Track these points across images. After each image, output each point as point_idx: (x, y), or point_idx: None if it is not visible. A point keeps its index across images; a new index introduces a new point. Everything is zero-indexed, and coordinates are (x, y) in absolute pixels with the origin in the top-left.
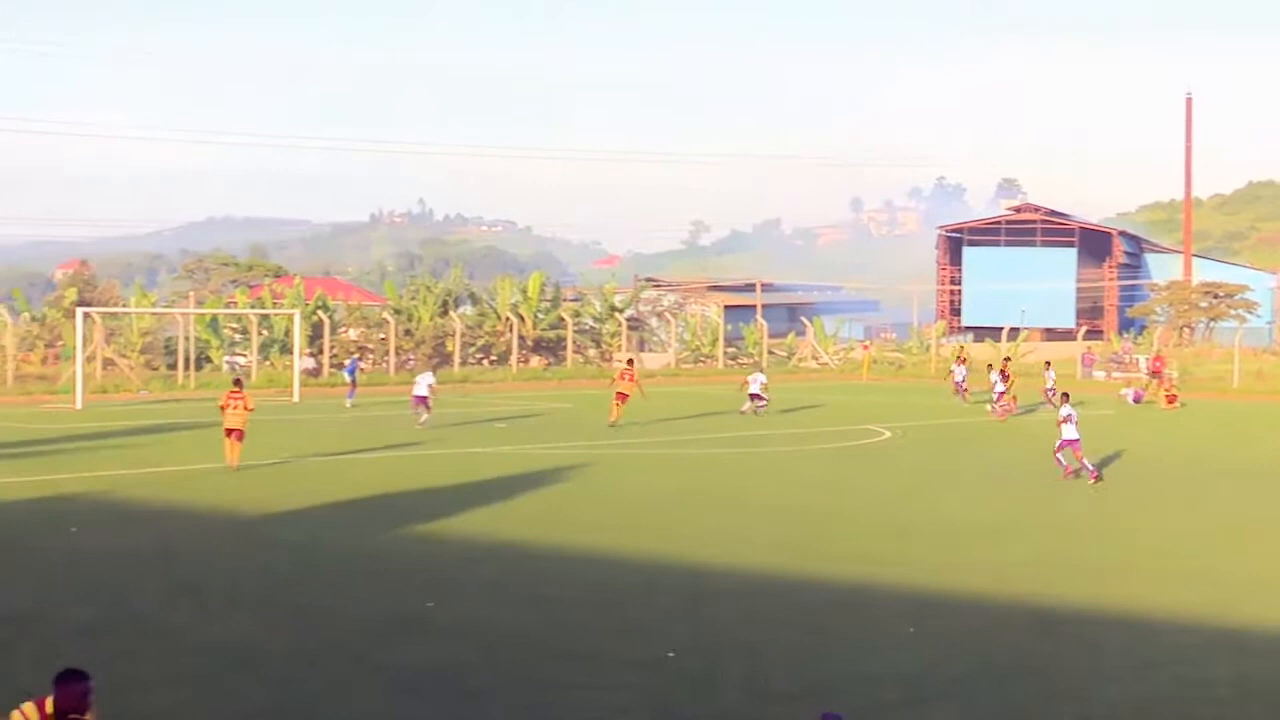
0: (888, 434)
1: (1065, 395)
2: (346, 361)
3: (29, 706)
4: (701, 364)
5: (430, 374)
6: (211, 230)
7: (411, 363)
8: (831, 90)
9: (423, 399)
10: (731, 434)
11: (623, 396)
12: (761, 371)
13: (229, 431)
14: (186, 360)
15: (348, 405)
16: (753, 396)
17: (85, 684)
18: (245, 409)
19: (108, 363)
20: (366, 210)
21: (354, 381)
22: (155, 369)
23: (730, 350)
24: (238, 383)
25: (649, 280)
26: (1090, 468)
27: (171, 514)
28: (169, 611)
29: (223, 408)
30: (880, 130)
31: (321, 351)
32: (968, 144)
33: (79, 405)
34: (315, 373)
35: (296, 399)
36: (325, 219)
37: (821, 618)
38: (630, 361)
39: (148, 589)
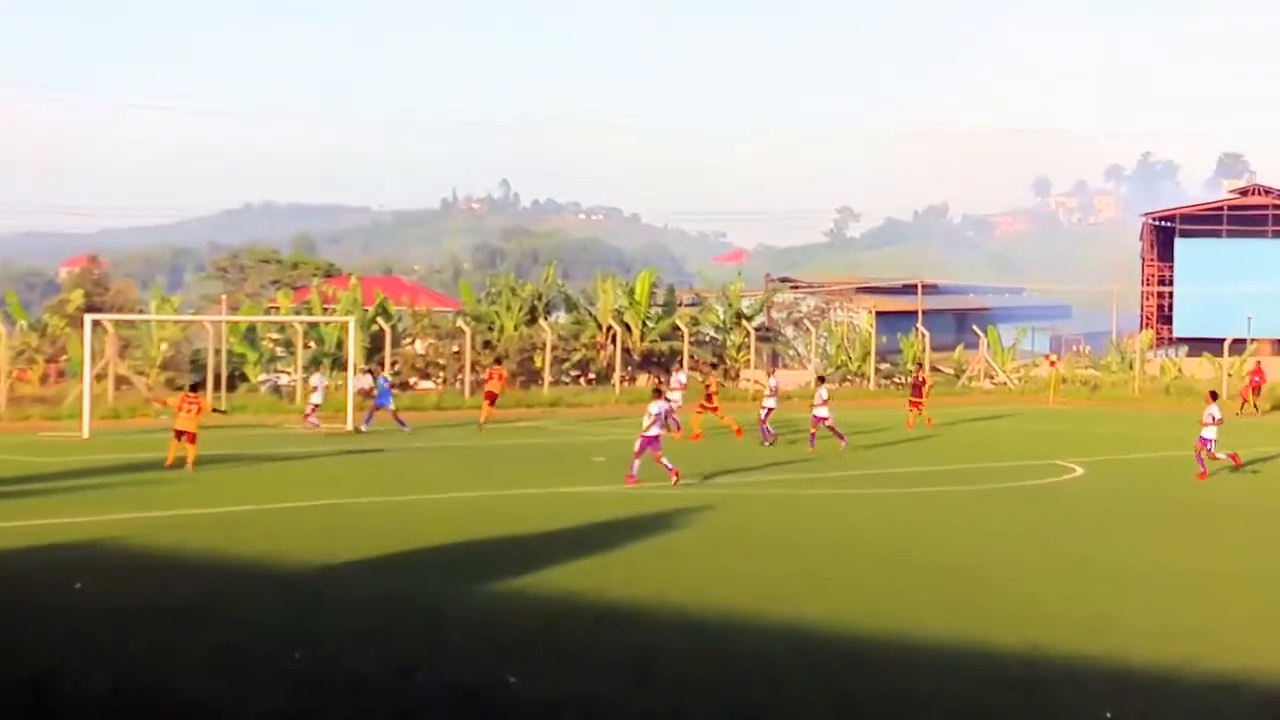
0: (1079, 470)
1: (1213, 394)
2: (379, 377)
3: None
4: (849, 383)
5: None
6: (249, 220)
7: (490, 375)
8: (1012, 50)
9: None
10: (885, 470)
11: (491, 396)
12: (772, 376)
13: (179, 434)
14: (217, 378)
15: (364, 429)
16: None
17: None
18: (199, 410)
19: (121, 381)
20: (437, 195)
21: (381, 403)
22: (180, 389)
23: (884, 367)
24: (195, 387)
25: (784, 280)
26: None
27: (202, 566)
28: (200, 682)
29: (176, 407)
30: (1071, 96)
31: (381, 367)
32: (1180, 112)
33: (86, 433)
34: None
35: (351, 425)
36: (388, 205)
37: (994, 694)
38: (499, 360)
39: (175, 655)
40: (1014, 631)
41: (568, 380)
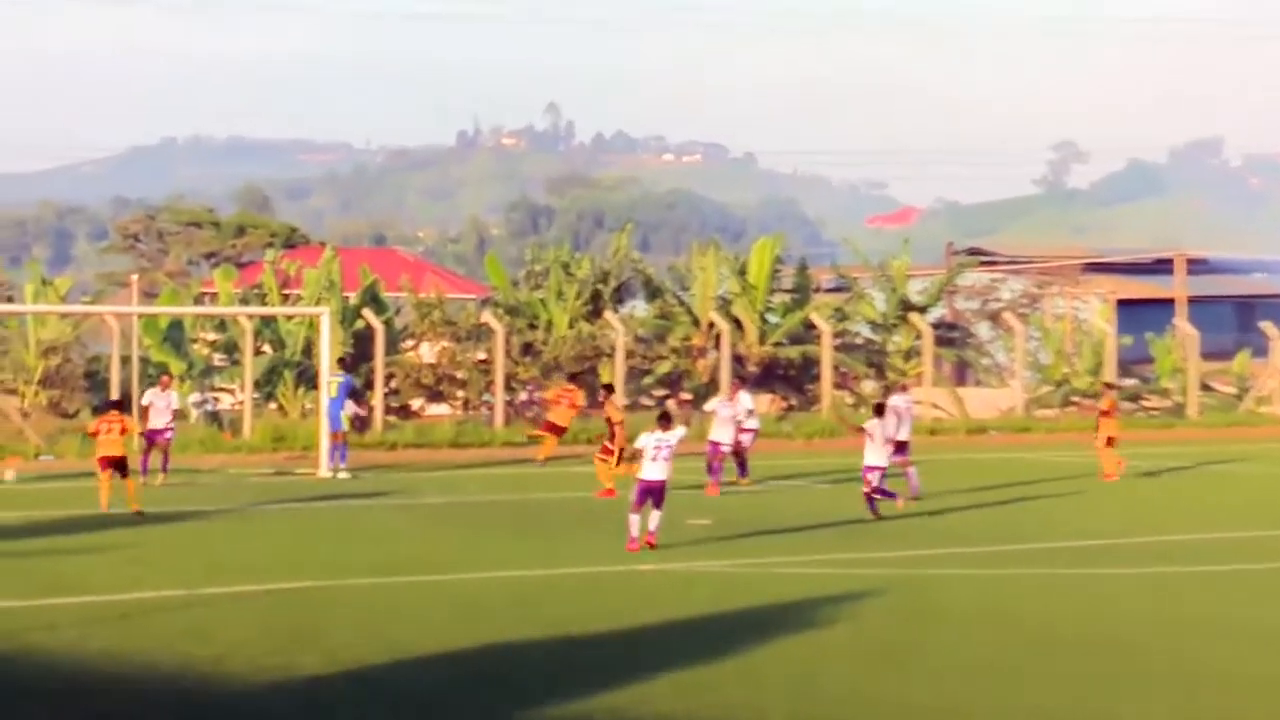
0: None
1: None
2: (338, 378)
3: None
4: (1074, 406)
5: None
6: (169, 162)
7: (535, 398)
8: None
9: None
10: (1139, 539)
11: (556, 429)
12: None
13: (106, 463)
14: (126, 399)
15: (341, 472)
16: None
17: None
18: (124, 431)
19: None
20: (452, 126)
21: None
22: (69, 415)
23: (1129, 383)
24: (118, 404)
25: (974, 253)
26: None
27: (117, 677)
28: None
29: (93, 434)
30: None
31: (370, 386)
32: None
33: None
34: (362, 425)
35: (326, 470)
36: (378, 141)
37: None
38: (573, 377)
39: None
40: None
41: (650, 402)
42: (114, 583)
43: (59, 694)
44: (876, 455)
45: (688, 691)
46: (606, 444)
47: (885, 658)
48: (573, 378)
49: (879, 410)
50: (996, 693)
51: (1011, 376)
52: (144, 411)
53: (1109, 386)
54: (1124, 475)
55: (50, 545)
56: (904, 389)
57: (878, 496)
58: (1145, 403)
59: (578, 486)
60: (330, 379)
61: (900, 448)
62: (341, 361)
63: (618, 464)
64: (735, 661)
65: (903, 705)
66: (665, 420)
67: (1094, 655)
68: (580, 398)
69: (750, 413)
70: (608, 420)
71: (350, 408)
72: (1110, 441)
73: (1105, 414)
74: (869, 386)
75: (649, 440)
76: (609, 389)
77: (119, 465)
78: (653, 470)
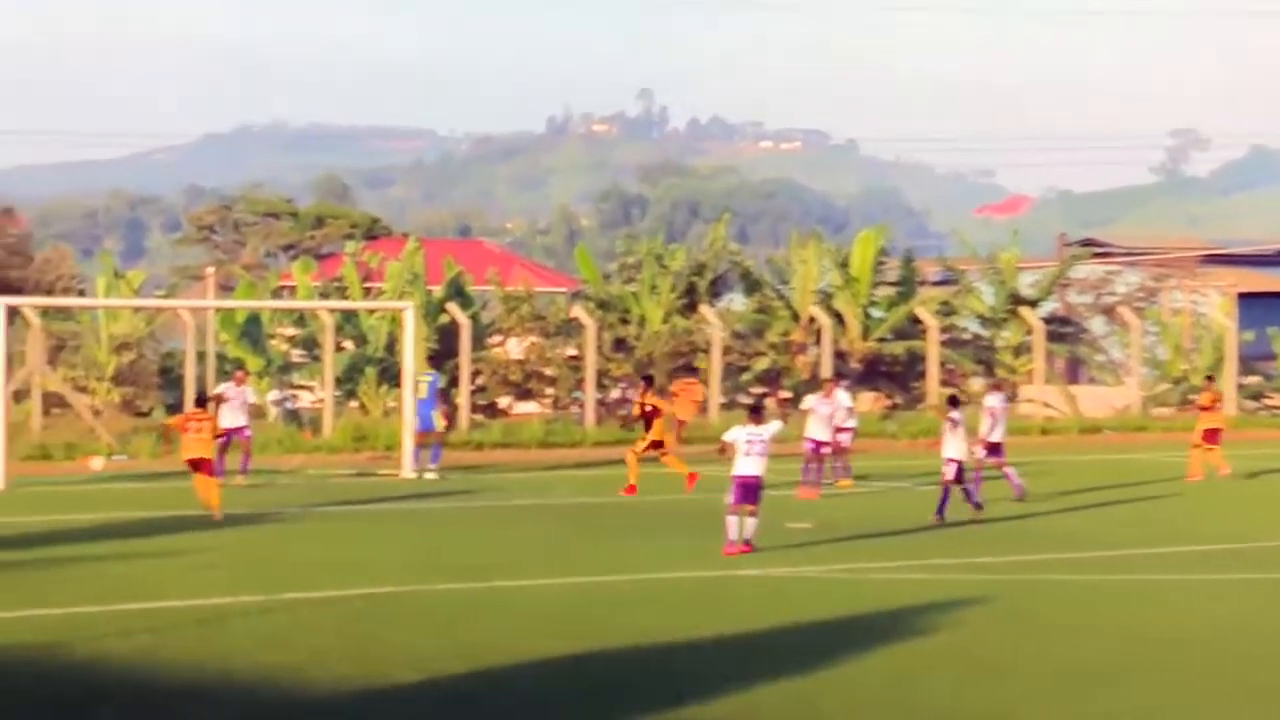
0: None
1: None
2: (425, 377)
3: None
4: (1192, 404)
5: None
6: (246, 149)
7: (627, 396)
8: None
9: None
10: (1259, 543)
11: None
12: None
13: (196, 465)
14: (201, 397)
15: (429, 473)
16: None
17: None
18: (213, 434)
19: (54, 401)
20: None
21: (438, 421)
22: (142, 413)
23: (1250, 381)
24: (203, 402)
25: (1087, 244)
26: None
27: (191, 687)
28: None
29: (181, 430)
30: None
31: (455, 383)
32: None
33: (0, 484)
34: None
35: (409, 470)
36: (463, 128)
37: None
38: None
39: None
40: None
41: (748, 399)
42: (189, 588)
43: (130, 704)
44: (955, 447)
45: (785, 702)
46: (649, 438)
47: (987, 667)
48: (692, 371)
49: (954, 402)
50: (1099, 702)
51: (1127, 374)
52: (216, 405)
53: (1210, 380)
54: (1231, 477)
55: (124, 548)
56: (996, 388)
57: (958, 494)
58: (1267, 401)
59: (672, 488)
60: (420, 378)
61: (994, 449)
62: (432, 359)
63: (644, 450)
64: (834, 670)
65: (1004, 717)
66: (757, 413)
67: (1202, 662)
68: (701, 391)
69: (849, 411)
70: (641, 409)
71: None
72: (1210, 438)
73: (1206, 409)
74: (977, 384)
75: (740, 434)
76: (648, 380)
77: (204, 466)
78: (747, 465)
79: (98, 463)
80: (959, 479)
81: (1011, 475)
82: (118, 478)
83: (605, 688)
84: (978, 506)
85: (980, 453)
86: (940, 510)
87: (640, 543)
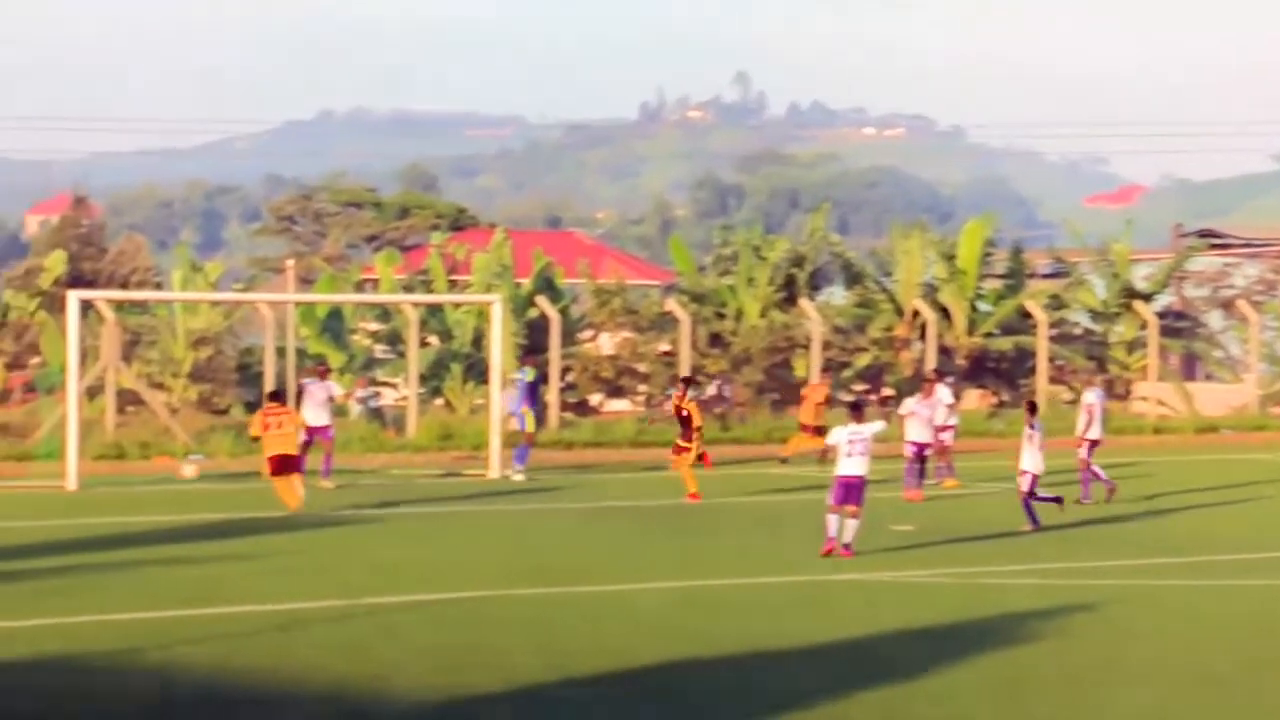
0: None
1: None
2: (515, 375)
3: None
4: None
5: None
6: (328, 137)
7: (722, 393)
8: None
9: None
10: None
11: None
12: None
13: (279, 462)
14: (280, 393)
15: (516, 474)
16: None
17: None
18: (295, 426)
19: (128, 398)
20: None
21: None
22: (220, 411)
23: None
24: (276, 395)
25: (1204, 235)
26: None
27: (266, 695)
28: None
29: (264, 426)
30: None
31: (544, 380)
32: None
33: (72, 484)
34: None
35: (494, 471)
36: (553, 114)
37: None
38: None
39: None
40: None
41: (850, 396)
42: (267, 592)
43: (203, 712)
44: (1031, 458)
45: (885, 710)
46: (679, 441)
47: (1092, 674)
48: (825, 369)
49: (1033, 409)
50: (1208, 709)
51: (1245, 370)
52: (298, 399)
53: None
54: None
55: (200, 551)
56: (1090, 384)
57: (1036, 502)
58: None
59: (768, 489)
60: (515, 376)
61: (1092, 445)
62: (528, 354)
63: (696, 461)
64: (936, 678)
65: None
66: (858, 411)
67: None
68: (824, 393)
69: (949, 409)
70: (676, 411)
71: (507, 404)
72: None
73: None
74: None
75: (842, 434)
76: (686, 382)
77: (292, 465)
78: (849, 465)
79: (190, 469)
80: (1031, 493)
81: (1099, 472)
82: (195, 478)
83: (698, 696)
84: (1036, 525)
85: (1081, 452)
86: (1033, 521)
87: (733, 546)
